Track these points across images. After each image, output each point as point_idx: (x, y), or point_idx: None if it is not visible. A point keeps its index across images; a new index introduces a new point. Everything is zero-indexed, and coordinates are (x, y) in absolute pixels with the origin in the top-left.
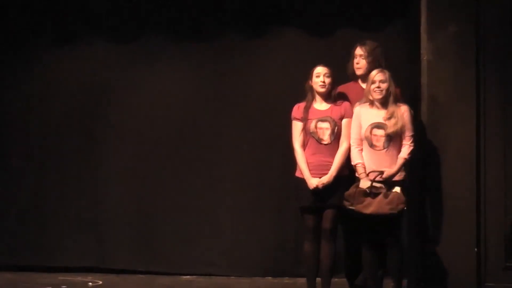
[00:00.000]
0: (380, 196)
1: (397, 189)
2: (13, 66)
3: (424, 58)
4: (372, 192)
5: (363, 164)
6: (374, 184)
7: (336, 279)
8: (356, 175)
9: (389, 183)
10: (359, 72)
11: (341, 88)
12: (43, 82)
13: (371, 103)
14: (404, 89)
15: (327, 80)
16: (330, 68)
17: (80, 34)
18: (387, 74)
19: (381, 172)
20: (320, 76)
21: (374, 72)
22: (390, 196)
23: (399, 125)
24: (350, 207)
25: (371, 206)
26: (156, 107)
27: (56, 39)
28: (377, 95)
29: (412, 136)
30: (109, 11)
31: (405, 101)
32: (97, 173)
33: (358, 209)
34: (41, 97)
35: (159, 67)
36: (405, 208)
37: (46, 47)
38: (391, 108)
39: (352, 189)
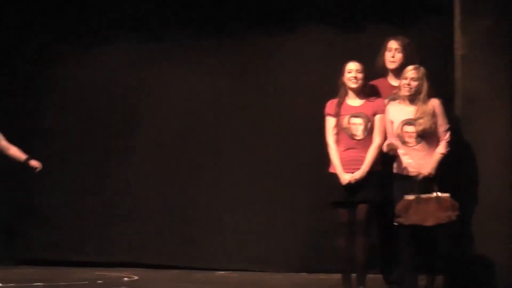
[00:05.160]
0: (434, 204)
1: (446, 194)
2: (39, 68)
3: (458, 53)
4: (422, 200)
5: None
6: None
7: (371, 275)
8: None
9: (430, 184)
10: (391, 66)
11: (370, 84)
12: (70, 82)
13: (401, 98)
14: (437, 85)
15: (359, 76)
16: (362, 63)
17: (104, 34)
18: (421, 72)
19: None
20: (352, 72)
21: (409, 68)
22: (444, 203)
23: (428, 123)
24: (407, 223)
25: (431, 217)
26: (182, 104)
27: (81, 40)
28: (405, 92)
29: (448, 129)
30: (132, 11)
31: (439, 96)
32: (133, 169)
33: (417, 222)
34: (68, 97)
35: (183, 66)
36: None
37: (70, 48)
38: (420, 106)
39: (401, 204)
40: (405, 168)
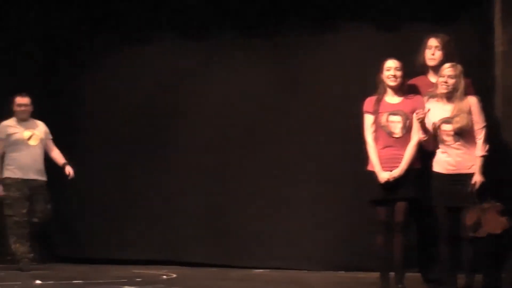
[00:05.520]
0: (493, 211)
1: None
2: (87, 65)
3: (499, 49)
4: (486, 209)
5: None
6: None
7: (409, 274)
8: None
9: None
10: (431, 63)
11: (410, 82)
12: (117, 79)
13: (439, 96)
14: (477, 81)
15: (398, 74)
16: (401, 61)
17: (152, 31)
18: (458, 70)
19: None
20: (390, 70)
21: (446, 66)
22: (499, 209)
23: (465, 121)
24: (483, 235)
25: (498, 225)
26: (226, 102)
27: (129, 37)
28: (442, 90)
29: (484, 127)
30: (178, 9)
31: (477, 93)
32: (171, 168)
33: (490, 231)
34: (114, 95)
35: (222, 64)
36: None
37: (119, 45)
38: (457, 104)
39: (469, 217)
40: (443, 166)
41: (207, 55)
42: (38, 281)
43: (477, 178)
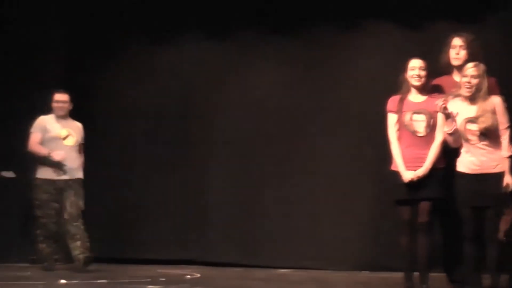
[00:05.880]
0: None
1: None
2: (112, 65)
3: None
4: None
5: None
6: None
7: (434, 274)
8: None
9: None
10: (456, 62)
11: (435, 82)
12: (141, 79)
13: (463, 96)
14: (503, 80)
15: (422, 73)
16: (425, 61)
17: (177, 31)
18: (481, 69)
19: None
20: (415, 70)
21: (468, 65)
22: None
23: (490, 121)
24: None
25: None
26: (251, 102)
27: (154, 37)
28: (466, 89)
29: (508, 127)
30: (203, 8)
31: (503, 93)
32: (197, 167)
33: None
34: (138, 94)
35: (253, 63)
36: None
37: (144, 45)
38: (481, 104)
39: (504, 221)
40: (467, 165)
41: (232, 55)
42: (62, 281)
43: (509, 180)
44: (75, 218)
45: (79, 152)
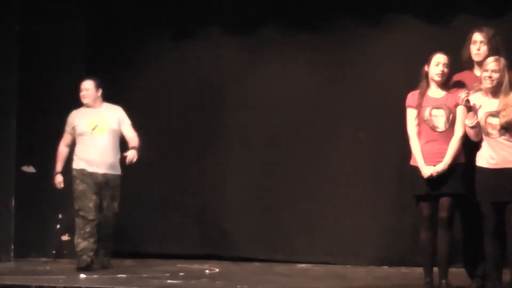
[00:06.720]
0: None
1: None
2: (133, 60)
3: None
4: None
5: None
6: None
7: (454, 269)
8: None
9: None
10: (477, 58)
11: (456, 77)
12: (162, 75)
13: (484, 90)
14: None
15: (446, 70)
16: (449, 57)
17: (199, 27)
18: (501, 63)
19: None
20: (439, 65)
21: (489, 60)
22: None
23: (511, 115)
24: None
25: None
26: (274, 99)
27: (175, 32)
28: (487, 84)
29: None
30: (224, 3)
31: None
32: (216, 163)
33: None
34: (160, 90)
35: (275, 61)
36: None
37: (165, 41)
38: (502, 98)
39: None
40: (487, 160)
41: (253, 51)
42: (82, 275)
43: None
44: (109, 222)
45: (127, 132)
